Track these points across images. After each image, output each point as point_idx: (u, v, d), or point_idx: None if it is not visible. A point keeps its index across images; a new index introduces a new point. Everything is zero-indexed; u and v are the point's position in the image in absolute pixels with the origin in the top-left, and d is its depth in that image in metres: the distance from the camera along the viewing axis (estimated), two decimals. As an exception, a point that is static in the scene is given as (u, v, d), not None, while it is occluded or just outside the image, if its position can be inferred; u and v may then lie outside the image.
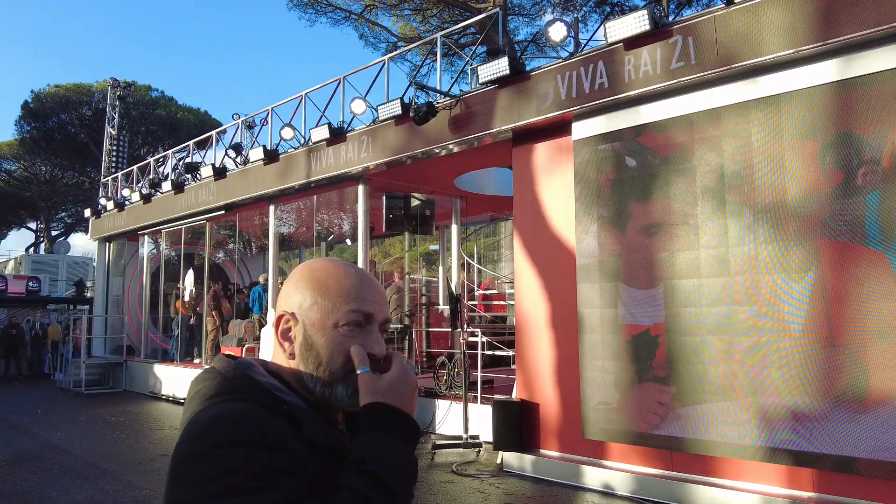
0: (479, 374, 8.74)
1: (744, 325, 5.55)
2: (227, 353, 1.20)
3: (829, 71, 5.27)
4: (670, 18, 6.32)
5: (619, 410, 6.29)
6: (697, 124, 5.99)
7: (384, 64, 9.43)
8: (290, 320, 1.09)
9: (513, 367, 8.07)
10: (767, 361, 5.39)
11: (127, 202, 15.71)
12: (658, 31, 6.18)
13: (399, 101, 8.54)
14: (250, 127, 13.39)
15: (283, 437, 0.95)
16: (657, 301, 6.11)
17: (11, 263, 30.45)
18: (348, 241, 15.69)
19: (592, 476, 6.39)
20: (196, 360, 13.47)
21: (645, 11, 6.10)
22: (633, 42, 6.34)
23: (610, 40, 6.45)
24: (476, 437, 7.91)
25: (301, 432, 0.98)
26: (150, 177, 14.89)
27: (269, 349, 9.39)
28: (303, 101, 10.69)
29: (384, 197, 10.64)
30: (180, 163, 14.36)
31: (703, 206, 5.89)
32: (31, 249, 38.46)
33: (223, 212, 12.54)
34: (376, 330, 1.09)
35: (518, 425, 7.13)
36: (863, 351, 4.93)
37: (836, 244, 5.14)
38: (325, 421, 1.07)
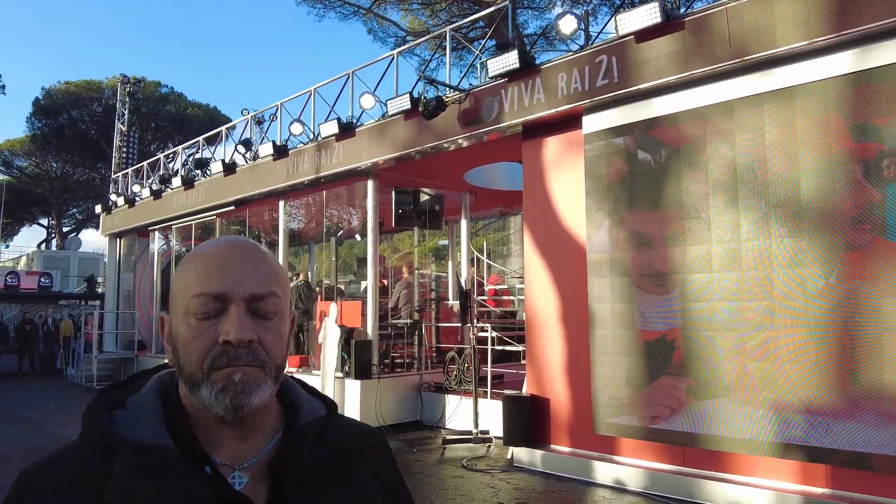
0: (489, 369, 8.73)
1: (757, 321, 5.50)
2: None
3: (844, 62, 5.19)
4: (682, 10, 6.26)
5: (630, 406, 6.26)
6: (710, 117, 5.93)
7: (393, 58, 9.40)
8: (164, 321, 0.94)
9: (523, 362, 8.06)
10: (781, 357, 5.33)
11: (137, 198, 15.78)
12: (669, 24, 6.12)
13: (408, 95, 8.51)
14: (259, 122, 13.40)
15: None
16: (672, 301, 6.06)
17: (24, 259, 30.71)
18: (358, 237, 15.70)
19: (603, 471, 6.36)
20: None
21: (656, 3, 6.04)
22: (645, 34, 6.28)
23: (621, 33, 6.39)
24: (486, 432, 7.91)
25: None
26: (160, 173, 14.95)
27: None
28: (312, 96, 10.68)
29: (393, 192, 10.62)
30: (190, 159, 14.40)
31: (715, 200, 5.83)
32: (43, 245, 38.76)
33: (233, 207, 12.57)
34: (237, 311, 0.86)
35: (528, 420, 7.11)
36: (879, 345, 4.87)
37: (852, 237, 5.07)
38: (185, 466, 0.83)
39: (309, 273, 13.85)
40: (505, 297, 12.53)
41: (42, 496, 0.83)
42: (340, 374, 9.22)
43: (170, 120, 33.88)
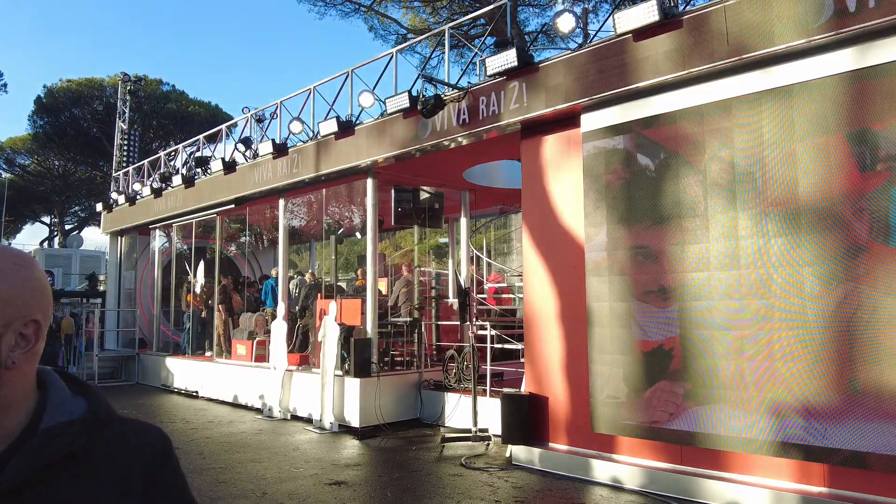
0: (489, 367, 8.73)
1: (754, 320, 5.49)
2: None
3: (844, 60, 5.17)
4: (680, 8, 6.25)
5: (628, 404, 6.26)
6: (707, 116, 5.92)
7: (392, 56, 9.39)
8: None
9: (522, 360, 8.06)
10: (778, 356, 5.33)
11: (138, 196, 15.80)
12: (667, 22, 6.10)
13: (407, 93, 8.51)
14: (260, 121, 13.41)
15: None
16: (671, 304, 6.05)
17: (26, 257, 30.63)
18: (358, 235, 15.71)
19: (601, 470, 6.37)
20: (208, 354, 13.55)
21: (654, 1, 6.02)
22: (643, 32, 6.27)
23: (619, 31, 6.38)
24: (485, 430, 7.91)
25: None
26: (161, 171, 14.96)
27: (280, 342, 9.34)
28: (311, 94, 10.68)
29: (393, 190, 10.62)
30: (191, 157, 14.40)
31: (713, 198, 5.82)
32: (45, 243, 38.81)
33: (233, 206, 12.58)
34: None
35: (527, 419, 7.12)
36: (876, 345, 4.87)
37: (850, 237, 5.06)
38: None
39: (313, 272, 13.86)
40: (505, 296, 12.54)
41: None
42: (340, 373, 9.23)
43: (171, 118, 33.87)
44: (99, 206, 18.22)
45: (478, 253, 11.92)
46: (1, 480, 0.92)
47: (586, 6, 7.60)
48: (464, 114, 8.01)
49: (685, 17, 6.04)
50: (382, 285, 11.97)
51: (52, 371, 1.08)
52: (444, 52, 9.05)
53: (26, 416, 0.99)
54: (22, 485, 0.93)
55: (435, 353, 10.71)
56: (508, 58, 7.28)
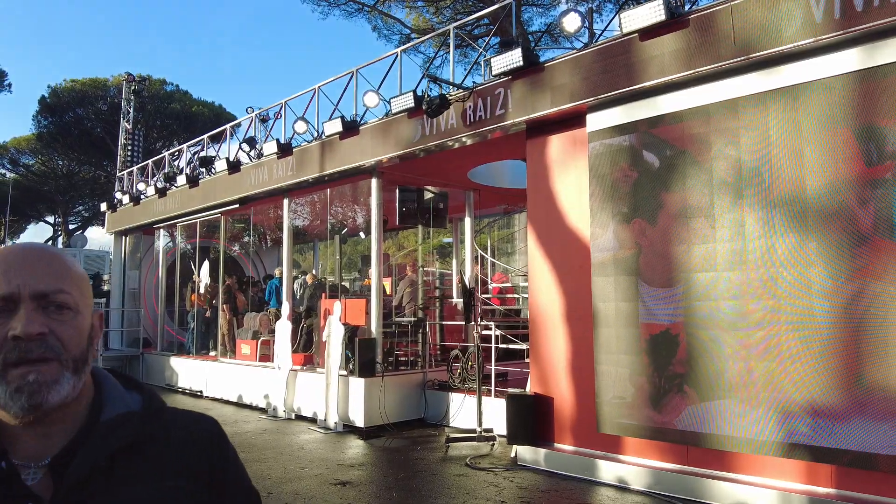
0: (493, 367, 8.72)
1: (761, 320, 5.47)
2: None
3: (850, 60, 5.16)
4: (686, 8, 6.23)
5: (634, 405, 6.24)
6: (714, 115, 5.90)
7: (397, 56, 9.39)
8: None
9: (527, 360, 8.05)
10: (785, 356, 5.31)
11: (142, 196, 15.81)
12: (674, 21, 6.09)
13: (412, 93, 8.51)
14: (264, 120, 13.42)
15: None
16: (677, 298, 6.04)
17: (30, 257, 30.65)
18: (362, 234, 15.72)
19: (607, 470, 6.35)
20: (212, 353, 13.56)
21: (660, 1, 6.00)
22: (649, 32, 6.25)
23: (625, 30, 6.37)
24: (490, 430, 7.90)
25: None
26: (165, 171, 14.97)
27: (285, 342, 9.35)
28: (316, 94, 10.68)
29: (397, 190, 10.61)
30: (195, 157, 14.41)
31: (719, 198, 5.81)
32: (49, 243, 38.83)
33: (237, 205, 12.58)
34: (24, 308, 0.90)
35: (532, 419, 7.10)
36: (884, 345, 4.85)
37: (858, 236, 5.04)
38: None
39: (315, 271, 13.87)
40: (509, 296, 12.53)
41: None
42: (344, 372, 9.23)
43: (175, 118, 33.86)
44: (103, 206, 18.24)
45: (482, 253, 11.90)
46: (70, 471, 0.92)
47: (590, 5, 7.57)
48: (468, 113, 8.00)
49: (691, 16, 6.02)
50: (386, 285, 11.97)
51: (102, 368, 1.10)
52: (448, 52, 9.05)
53: (86, 409, 0.99)
54: (89, 475, 0.92)
55: (439, 353, 10.70)
56: (514, 57, 7.27)
